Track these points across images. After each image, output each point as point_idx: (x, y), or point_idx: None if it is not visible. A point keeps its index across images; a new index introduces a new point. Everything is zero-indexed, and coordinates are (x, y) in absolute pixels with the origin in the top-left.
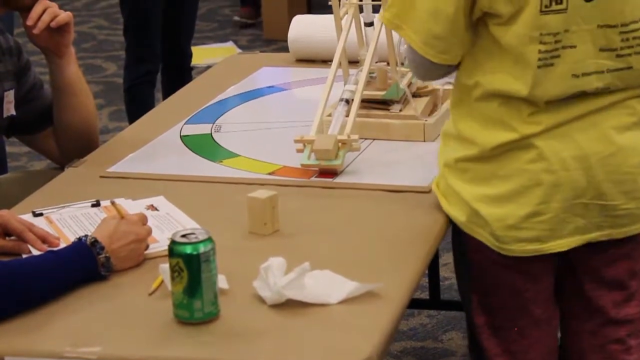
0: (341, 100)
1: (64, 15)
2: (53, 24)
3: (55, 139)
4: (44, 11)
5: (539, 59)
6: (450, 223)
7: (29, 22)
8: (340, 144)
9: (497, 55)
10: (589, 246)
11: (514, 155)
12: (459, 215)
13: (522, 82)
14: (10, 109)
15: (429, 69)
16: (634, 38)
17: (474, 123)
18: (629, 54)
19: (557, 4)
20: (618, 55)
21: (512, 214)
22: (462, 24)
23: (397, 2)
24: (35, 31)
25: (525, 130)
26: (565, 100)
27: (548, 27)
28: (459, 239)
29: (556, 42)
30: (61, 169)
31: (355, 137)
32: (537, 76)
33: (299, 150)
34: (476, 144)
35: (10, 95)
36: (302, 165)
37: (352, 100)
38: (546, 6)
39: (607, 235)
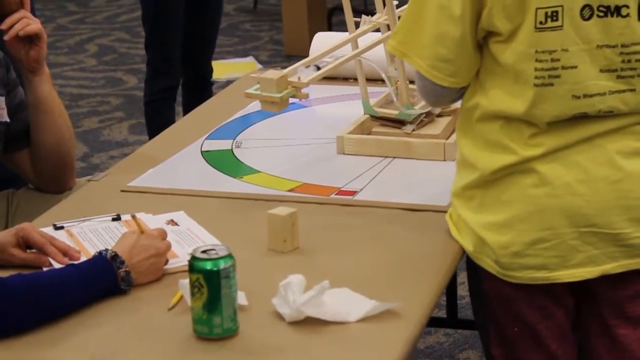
0: (315, 66)
1: (34, 26)
2: (21, 33)
3: (30, 159)
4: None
5: (536, 77)
6: (464, 253)
7: (3, 26)
8: (289, 86)
9: (497, 75)
10: (609, 279)
11: (514, 179)
12: (468, 245)
13: (520, 100)
14: (3, 115)
15: (439, 94)
16: (637, 60)
17: (475, 146)
18: (631, 76)
19: (552, 21)
20: (619, 77)
21: (516, 240)
22: (470, 44)
23: (402, 29)
24: (6, 37)
25: (525, 153)
26: (568, 123)
27: (543, 45)
28: (473, 270)
29: (553, 60)
30: (37, 190)
31: (305, 82)
32: (536, 95)
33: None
34: (477, 168)
35: (1, 102)
36: (245, 94)
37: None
38: (541, 22)
39: (624, 267)
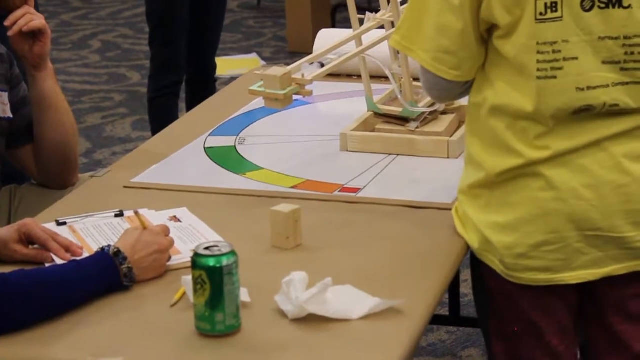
0: (318, 63)
1: (37, 22)
2: (25, 29)
3: (33, 155)
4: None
5: (538, 69)
6: (469, 248)
7: (6, 23)
8: (293, 83)
9: (502, 68)
10: (610, 279)
11: (521, 182)
12: (473, 242)
13: (526, 95)
14: (6, 111)
15: (443, 88)
16: None
17: (482, 145)
18: (636, 68)
19: (552, 11)
20: (623, 69)
21: (521, 242)
22: (473, 37)
23: (405, 23)
24: (9, 33)
25: (531, 155)
26: (575, 123)
27: (544, 37)
28: (476, 265)
29: (554, 52)
30: (40, 185)
31: (309, 80)
32: (539, 88)
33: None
34: (484, 169)
35: (4, 97)
36: (248, 91)
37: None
38: (541, 14)
39: (627, 269)
